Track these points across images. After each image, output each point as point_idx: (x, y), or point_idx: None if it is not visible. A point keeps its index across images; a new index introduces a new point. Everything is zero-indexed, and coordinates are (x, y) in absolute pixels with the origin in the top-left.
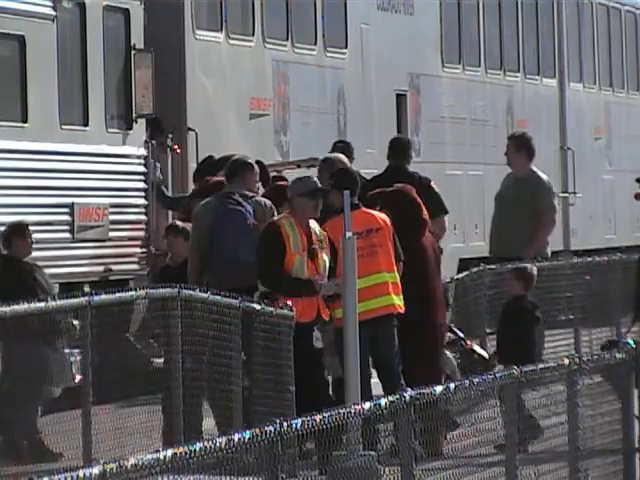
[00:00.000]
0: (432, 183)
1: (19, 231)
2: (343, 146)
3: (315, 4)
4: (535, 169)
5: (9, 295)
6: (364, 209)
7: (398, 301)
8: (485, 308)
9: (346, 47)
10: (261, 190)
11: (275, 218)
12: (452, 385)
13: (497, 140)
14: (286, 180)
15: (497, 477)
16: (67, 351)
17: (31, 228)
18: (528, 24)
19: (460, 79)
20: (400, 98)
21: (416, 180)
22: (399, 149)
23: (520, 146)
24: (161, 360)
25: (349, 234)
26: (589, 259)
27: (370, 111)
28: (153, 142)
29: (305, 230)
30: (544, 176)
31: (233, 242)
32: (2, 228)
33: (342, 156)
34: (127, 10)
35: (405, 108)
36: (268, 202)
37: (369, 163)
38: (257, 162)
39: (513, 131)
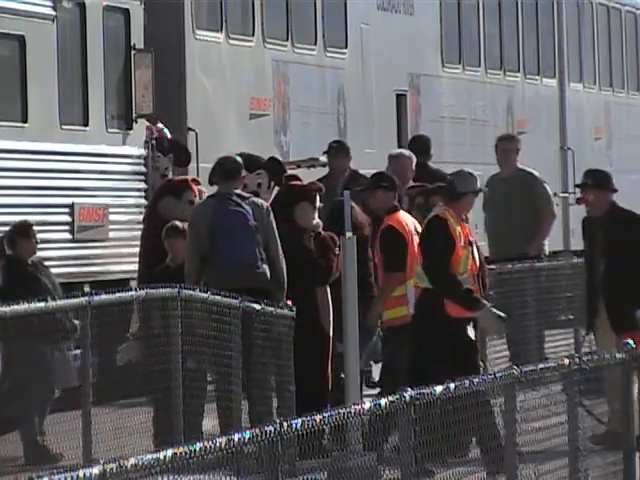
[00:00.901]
0: None
1: (22, 231)
2: (337, 146)
3: (315, 4)
4: (521, 166)
5: (12, 296)
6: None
7: None
8: None
9: (346, 47)
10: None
11: (437, 212)
12: (452, 385)
13: None
14: (299, 179)
15: (497, 477)
16: (74, 353)
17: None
18: (528, 24)
19: (460, 79)
20: (400, 98)
21: (441, 177)
22: (420, 146)
23: (519, 148)
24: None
25: (349, 234)
26: None
27: (370, 111)
28: (153, 142)
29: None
30: (534, 171)
31: (234, 243)
32: (2, 228)
33: (408, 152)
34: (127, 10)
35: (405, 108)
36: (265, 203)
37: (369, 163)
38: (273, 159)
39: (507, 133)
